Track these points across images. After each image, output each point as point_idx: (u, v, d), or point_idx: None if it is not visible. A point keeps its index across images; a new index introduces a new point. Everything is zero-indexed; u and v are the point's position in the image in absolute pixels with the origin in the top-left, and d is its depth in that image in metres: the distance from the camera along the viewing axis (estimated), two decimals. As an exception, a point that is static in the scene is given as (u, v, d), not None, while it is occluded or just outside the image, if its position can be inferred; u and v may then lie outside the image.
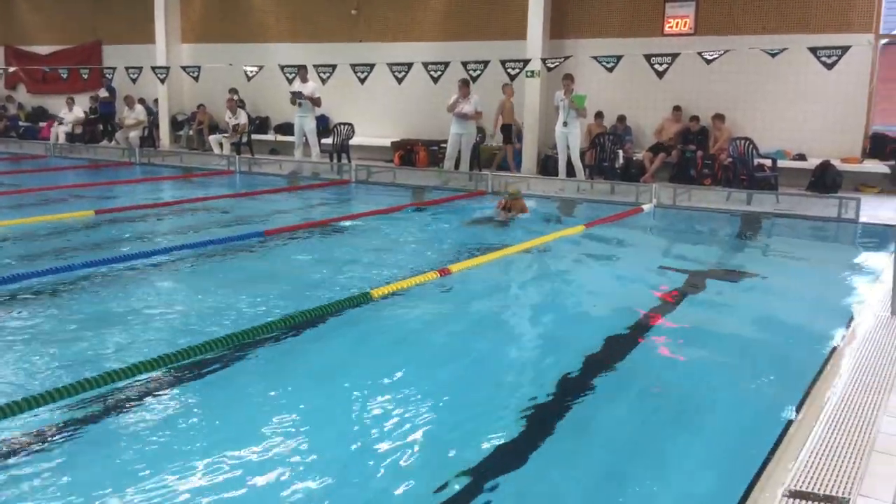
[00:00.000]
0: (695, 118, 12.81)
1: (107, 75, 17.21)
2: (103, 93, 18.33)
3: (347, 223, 8.65)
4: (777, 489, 2.75)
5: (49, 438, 3.22)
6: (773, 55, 10.44)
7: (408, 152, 14.73)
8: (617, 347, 4.60)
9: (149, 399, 3.64)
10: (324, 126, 15.67)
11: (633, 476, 3.09)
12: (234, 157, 14.33)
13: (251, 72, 14.30)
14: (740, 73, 12.67)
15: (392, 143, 15.30)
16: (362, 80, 12.95)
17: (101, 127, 18.52)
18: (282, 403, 3.69)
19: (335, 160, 14.26)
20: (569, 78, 11.89)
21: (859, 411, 3.47)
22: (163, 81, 16.62)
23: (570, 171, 12.11)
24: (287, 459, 3.07)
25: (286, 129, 16.34)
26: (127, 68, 15.14)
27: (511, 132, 13.83)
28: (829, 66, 9.67)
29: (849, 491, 2.74)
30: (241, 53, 16.88)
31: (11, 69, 20.62)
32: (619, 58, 11.18)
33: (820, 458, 2.99)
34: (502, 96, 13.62)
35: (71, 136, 18.00)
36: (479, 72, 12.10)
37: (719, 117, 12.53)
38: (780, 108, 12.70)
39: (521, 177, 12.84)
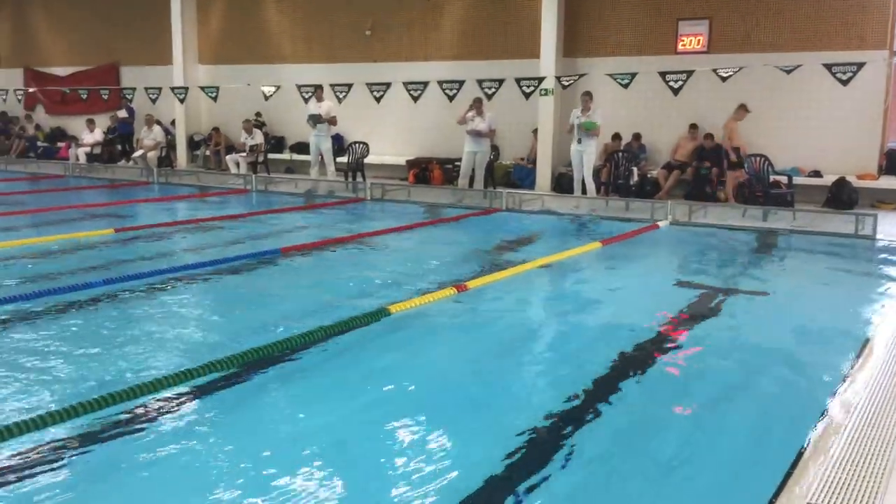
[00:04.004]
0: (709, 136, 12.76)
1: (127, 96, 17.42)
2: (122, 113, 18.52)
3: (364, 240, 8.69)
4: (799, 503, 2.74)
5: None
6: (788, 72, 10.45)
7: (422, 170, 14.82)
8: (633, 364, 4.60)
9: (163, 417, 3.66)
10: (339, 145, 15.77)
11: (652, 490, 3.09)
12: (251, 175, 14.45)
13: (269, 92, 14.42)
14: (755, 90, 12.64)
15: (407, 161, 15.38)
16: (378, 99, 13.05)
17: (119, 147, 18.73)
18: (306, 422, 3.72)
19: (350, 178, 14.35)
20: (588, 95, 11.94)
21: (879, 428, 3.45)
22: (182, 101, 16.81)
23: (584, 189, 12.15)
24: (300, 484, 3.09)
25: (302, 148, 16.45)
26: (146, 89, 15.32)
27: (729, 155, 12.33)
28: (844, 83, 9.68)
29: (870, 506, 2.73)
30: (258, 74, 17.05)
31: (31, 90, 20.92)
32: (633, 75, 11.23)
33: (840, 474, 2.97)
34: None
35: (90, 156, 18.20)
36: (493, 90, 12.16)
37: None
38: (794, 124, 12.67)
39: (536, 194, 12.88)
